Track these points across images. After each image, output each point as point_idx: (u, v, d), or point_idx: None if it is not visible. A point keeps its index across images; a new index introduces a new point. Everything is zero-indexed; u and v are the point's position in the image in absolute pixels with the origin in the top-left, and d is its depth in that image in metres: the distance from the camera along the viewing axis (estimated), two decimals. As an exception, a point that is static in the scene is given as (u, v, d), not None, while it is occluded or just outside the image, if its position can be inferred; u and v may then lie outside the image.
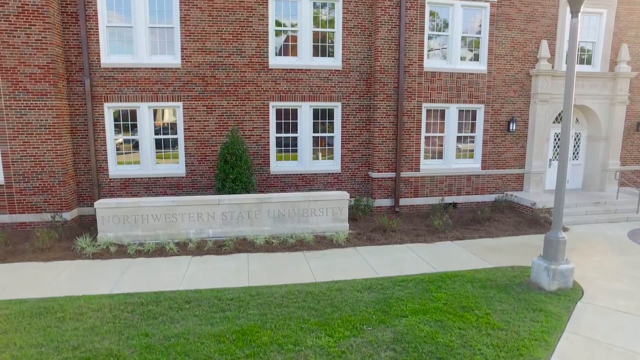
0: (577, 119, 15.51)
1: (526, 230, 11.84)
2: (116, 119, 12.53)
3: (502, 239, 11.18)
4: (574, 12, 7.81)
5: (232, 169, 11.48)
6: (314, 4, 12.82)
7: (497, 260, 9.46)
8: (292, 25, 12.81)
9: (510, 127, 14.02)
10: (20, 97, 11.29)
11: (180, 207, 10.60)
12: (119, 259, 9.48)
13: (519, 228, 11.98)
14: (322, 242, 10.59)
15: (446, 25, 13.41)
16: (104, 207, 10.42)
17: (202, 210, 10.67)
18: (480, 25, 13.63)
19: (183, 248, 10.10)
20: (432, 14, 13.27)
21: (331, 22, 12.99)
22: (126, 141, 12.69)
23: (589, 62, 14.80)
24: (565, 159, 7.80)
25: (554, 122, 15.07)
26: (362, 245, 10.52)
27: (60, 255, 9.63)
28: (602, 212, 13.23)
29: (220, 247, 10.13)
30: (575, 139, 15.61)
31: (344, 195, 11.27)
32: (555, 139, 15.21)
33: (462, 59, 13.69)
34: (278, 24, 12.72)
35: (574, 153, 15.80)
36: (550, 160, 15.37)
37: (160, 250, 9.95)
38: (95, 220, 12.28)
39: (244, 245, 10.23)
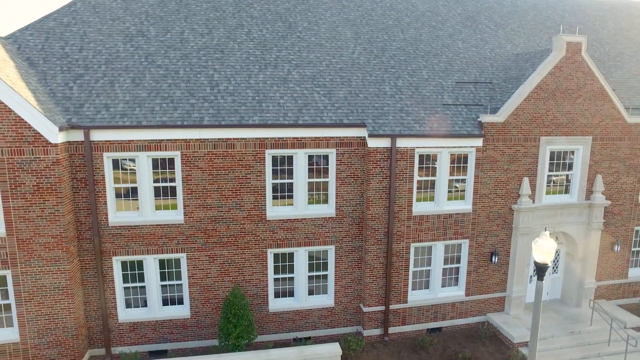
0: (557, 237, 16.51)
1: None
2: (124, 269, 13.37)
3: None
4: (540, 277, 8.75)
5: (234, 327, 12.43)
6: (309, 157, 13.65)
7: None
8: (289, 177, 13.65)
9: (493, 259, 15.01)
10: (35, 264, 12.11)
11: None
12: None
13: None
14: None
15: (434, 171, 14.29)
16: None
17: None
18: (466, 169, 14.52)
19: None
20: (421, 160, 14.13)
21: (325, 173, 13.83)
22: (134, 288, 13.57)
23: (567, 192, 15.77)
24: (536, 322, 8.79)
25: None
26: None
27: None
28: (576, 345, 14.31)
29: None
30: (555, 254, 16.62)
31: (337, 350, 12.24)
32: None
33: (449, 199, 14.62)
34: (275, 177, 13.57)
35: (553, 267, 16.85)
36: (530, 276, 16.42)
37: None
38: (106, 361, 13.20)
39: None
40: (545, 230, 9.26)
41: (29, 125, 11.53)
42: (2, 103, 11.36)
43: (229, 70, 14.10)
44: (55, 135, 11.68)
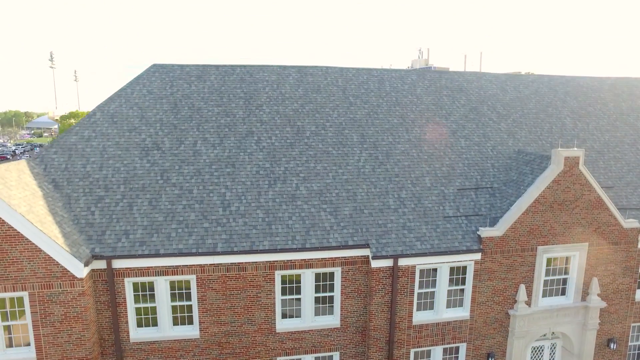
0: (553, 332, 17.20)
1: None
2: (143, 377, 14.37)
3: None
4: None
5: None
6: (316, 275, 14.45)
7: None
8: (297, 294, 14.48)
9: (490, 361, 15.79)
10: (63, 383, 13.14)
11: None
12: None
13: None
14: None
15: (434, 282, 15.02)
16: None
17: None
18: (465, 279, 15.22)
19: None
20: (421, 274, 14.87)
21: (331, 288, 14.64)
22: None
23: (563, 294, 16.41)
24: None
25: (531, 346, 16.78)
26: None
27: None
28: None
29: None
30: (551, 348, 17.34)
31: None
32: (531, 357, 16.98)
33: (447, 306, 15.36)
34: (283, 294, 14.40)
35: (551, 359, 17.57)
36: (527, 368, 17.17)
37: None
38: None
39: None
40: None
41: (57, 262, 12.47)
42: (33, 244, 12.32)
43: (239, 187, 14.90)
44: (81, 271, 12.62)
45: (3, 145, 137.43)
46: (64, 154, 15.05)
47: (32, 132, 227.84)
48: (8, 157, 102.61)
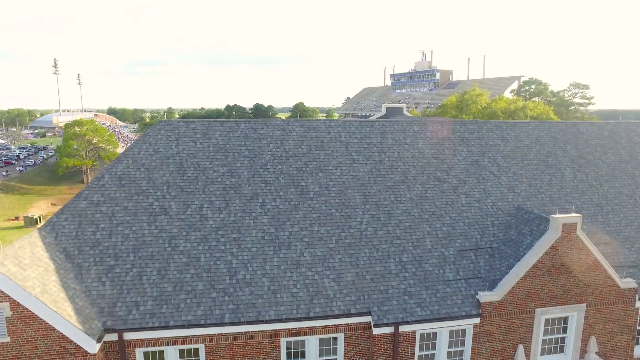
0: (550, 383, 17.62)
1: None
2: None
3: None
4: None
5: None
6: (319, 340, 14.90)
7: None
8: (301, 357, 14.93)
9: (489, 418, 16.23)
10: None
11: None
12: None
13: None
14: None
15: (434, 345, 15.43)
16: None
17: None
18: (464, 341, 15.64)
19: None
20: (422, 338, 15.29)
21: (334, 352, 15.08)
22: None
23: (561, 352, 16.81)
24: None
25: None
26: None
27: None
28: None
29: None
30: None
31: None
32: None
33: (448, 367, 15.81)
34: (288, 358, 14.83)
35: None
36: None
37: None
38: None
39: None
40: None
41: (71, 340, 12.94)
42: (47, 323, 12.78)
43: (245, 253, 15.31)
44: (93, 347, 13.09)
45: (7, 148, 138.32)
46: (74, 220, 15.47)
47: (36, 131, 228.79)
48: (13, 162, 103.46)
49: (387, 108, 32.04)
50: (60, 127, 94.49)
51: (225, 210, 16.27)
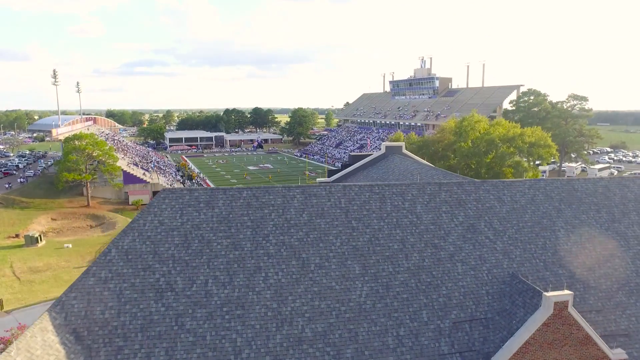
0: None
1: None
2: None
3: None
4: None
5: None
6: (321, 417, 15.46)
7: None
8: None
9: None
10: None
11: None
12: None
13: None
14: None
15: (431, 419, 16.03)
16: None
17: None
18: (460, 411, 16.22)
19: None
20: (419, 412, 15.87)
21: None
22: None
23: (553, 419, 17.39)
24: None
25: None
26: None
27: None
28: None
29: None
30: None
31: None
32: None
33: None
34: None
35: None
36: None
37: None
38: None
39: None
40: None
41: None
42: (59, 414, 13.31)
43: (249, 331, 15.83)
44: None
45: (6, 155, 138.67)
46: (83, 299, 15.96)
47: (34, 135, 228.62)
48: (13, 172, 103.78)
49: (386, 147, 32.57)
50: (60, 139, 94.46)
51: (229, 285, 16.79)
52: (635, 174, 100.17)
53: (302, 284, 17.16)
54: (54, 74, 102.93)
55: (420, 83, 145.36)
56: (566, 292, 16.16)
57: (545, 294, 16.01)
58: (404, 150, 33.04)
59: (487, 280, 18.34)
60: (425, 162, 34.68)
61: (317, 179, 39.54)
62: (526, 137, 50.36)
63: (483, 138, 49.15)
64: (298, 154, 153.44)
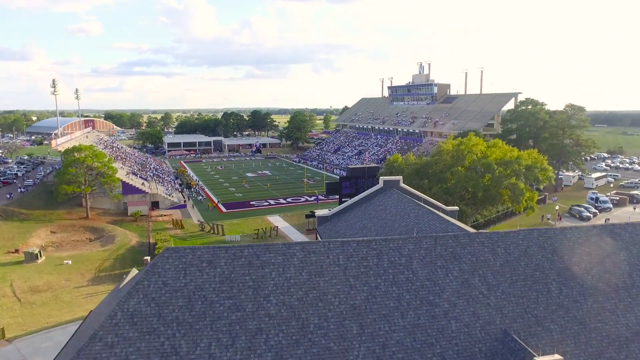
0: None
1: None
2: None
3: None
4: None
5: None
6: None
7: None
8: None
9: None
10: None
11: None
12: None
13: None
14: None
15: None
16: None
17: None
18: None
19: None
20: None
21: None
22: None
23: None
24: None
25: None
26: None
27: None
28: None
29: None
30: None
31: None
32: None
33: None
34: None
35: None
36: None
37: None
38: None
39: None
40: None
41: None
42: None
43: (251, 396, 16.39)
44: None
45: (4, 162, 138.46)
46: (91, 365, 16.48)
47: (32, 137, 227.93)
48: (13, 180, 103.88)
49: (384, 181, 33.10)
50: (59, 150, 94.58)
51: (232, 348, 17.33)
52: (630, 182, 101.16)
53: (301, 345, 17.71)
54: (54, 83, 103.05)
55: (418, 89, 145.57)
56: (556, 356, 16.77)
57: (536, 358, 16.61)
58: (402, 184, 33.59)
59: (480, 337, 18.91)
60: (420, 194, 35.16)
61: (317, 213, 39.89)
62: (522, 160, 50.98)
63: (480, 162, 49.78)
64: (296, 160, 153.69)
